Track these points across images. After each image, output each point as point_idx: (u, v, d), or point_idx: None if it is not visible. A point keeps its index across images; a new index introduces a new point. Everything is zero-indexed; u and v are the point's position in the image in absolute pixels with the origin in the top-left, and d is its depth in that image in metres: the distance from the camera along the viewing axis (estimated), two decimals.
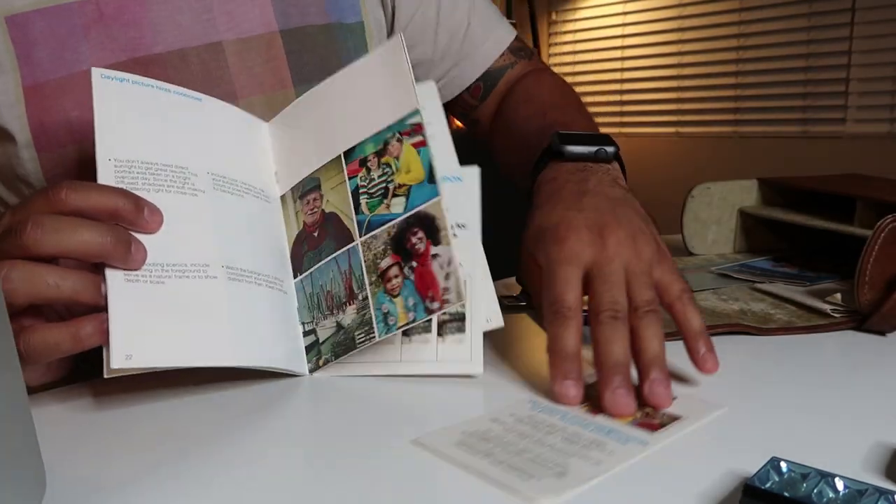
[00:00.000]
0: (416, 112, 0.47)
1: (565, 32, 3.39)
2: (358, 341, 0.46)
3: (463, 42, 0.77)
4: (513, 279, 0.69)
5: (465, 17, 0.77)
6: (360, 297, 0.46)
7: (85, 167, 0.57)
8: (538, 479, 0.32)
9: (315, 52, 0.66)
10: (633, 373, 0.41)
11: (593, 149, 0.55)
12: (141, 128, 0.46)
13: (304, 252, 0.50)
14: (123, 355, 0.39)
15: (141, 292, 0.41)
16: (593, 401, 0.40)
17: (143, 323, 0.40)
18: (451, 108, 0.81)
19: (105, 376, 0.39)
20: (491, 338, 0.52)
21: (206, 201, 0.46)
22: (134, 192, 0.43)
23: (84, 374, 0.46)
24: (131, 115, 0.45)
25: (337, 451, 0.37)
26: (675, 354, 0.49)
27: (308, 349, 0.48)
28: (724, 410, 0.40)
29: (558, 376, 0.41)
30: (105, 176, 0.43)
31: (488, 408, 0.41)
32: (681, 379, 0.44)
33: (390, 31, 0.76)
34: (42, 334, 0.38)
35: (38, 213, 0.39)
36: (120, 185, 0.43)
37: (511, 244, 0.57)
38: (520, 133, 0.72)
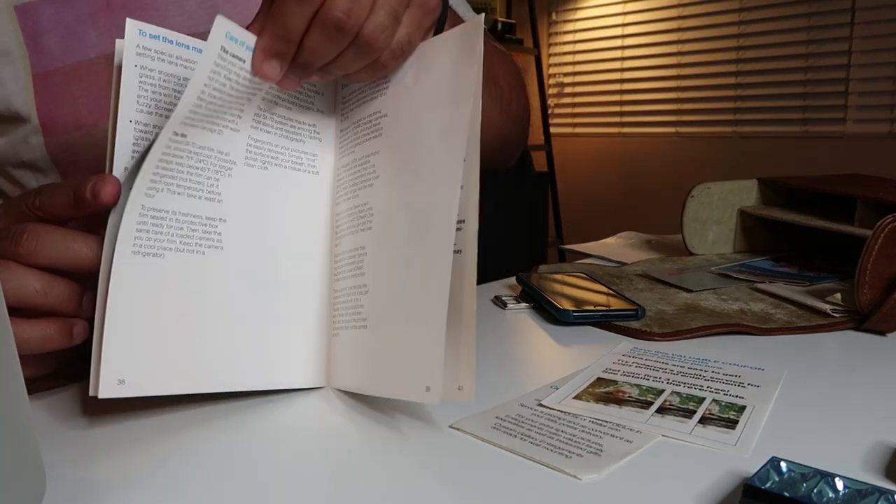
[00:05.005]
0: None
1: (565, 32, 3.38)
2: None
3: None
4: (513, 279, 0.70)
5: None
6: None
7: (91, 152, 0.58)
8: (578, 457, 0.34)
9: None
10: None
11: None
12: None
13: None
14: (115, 379, 0.36)
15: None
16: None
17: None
18: None
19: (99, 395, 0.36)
20: (493, 337, 0.52)
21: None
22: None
23: (80, 371, 0.46)
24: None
25: (373, 441, 0.37)
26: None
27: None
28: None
29: (269, 50, 0.40)
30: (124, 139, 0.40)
31: (511, 395, 0.42)
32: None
33: None
34: (34, 326, 0.39)
35: (32, 224, 0.39)
36: (136, 151, 0.40)
37: (512, 245, 0.57)
38: None
